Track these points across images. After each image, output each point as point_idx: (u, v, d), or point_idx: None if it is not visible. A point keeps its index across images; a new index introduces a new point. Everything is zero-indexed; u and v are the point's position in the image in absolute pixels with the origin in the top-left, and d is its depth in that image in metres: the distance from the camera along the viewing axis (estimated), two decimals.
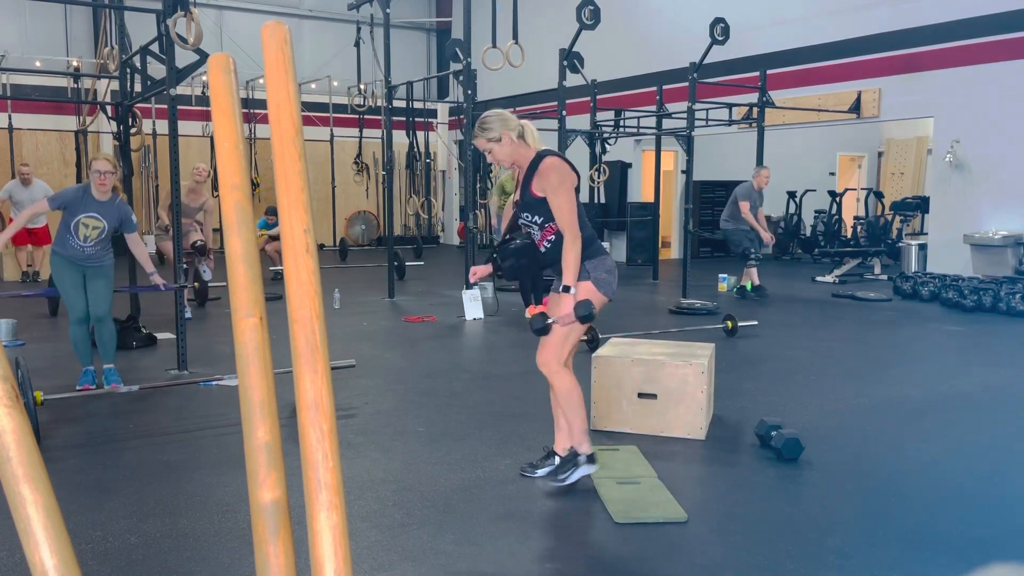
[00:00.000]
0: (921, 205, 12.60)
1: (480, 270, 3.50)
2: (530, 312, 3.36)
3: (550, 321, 3.28)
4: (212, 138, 14.22)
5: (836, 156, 15.99)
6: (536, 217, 3.28)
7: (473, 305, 7.84)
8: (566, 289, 3.20)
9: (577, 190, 3.28)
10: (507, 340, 6.89)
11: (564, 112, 8.82)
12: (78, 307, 4.85)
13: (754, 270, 9.28)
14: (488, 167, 9.89)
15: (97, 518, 3.06)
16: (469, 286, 7.92)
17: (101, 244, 4.91)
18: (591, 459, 3.39)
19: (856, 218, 13.96)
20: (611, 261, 3.34)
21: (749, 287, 9.30)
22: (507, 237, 3.40)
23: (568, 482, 3.35)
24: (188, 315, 7.80)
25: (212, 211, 8.19)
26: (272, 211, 10.75)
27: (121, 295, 5.85)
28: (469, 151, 8.80)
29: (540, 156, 3.25)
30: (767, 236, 9.05)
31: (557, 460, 3.49)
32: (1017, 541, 2.90)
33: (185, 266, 7.65)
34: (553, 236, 3.27)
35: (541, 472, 3.50)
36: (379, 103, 12.44)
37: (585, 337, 3.23)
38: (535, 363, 3.44)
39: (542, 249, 3.31)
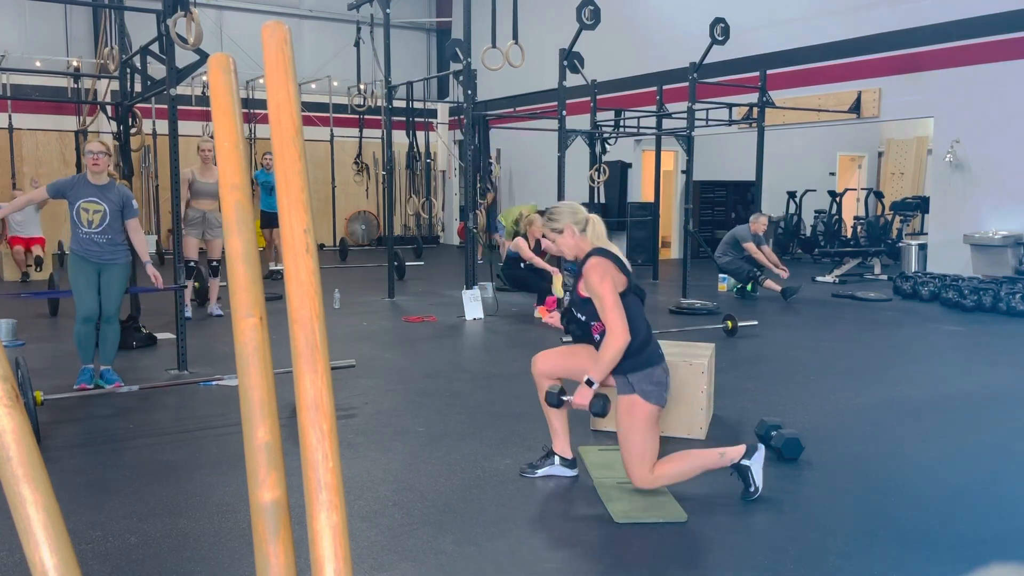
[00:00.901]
0: (921, 205, 12.60)
1: (555, 320, 3.60)
2: (538, 312, 3.39)
3: (566, 398, 3.28)
4: (212, 138, 14.23)
5: (836, 156, 15.99)
6: (581, 315, 3.29)
7: (473, 305, 7.84)
8: (589, 382, 3.16)
9: (631, 290, 3.23)
10: (507, 340, 6.89)
11: (564, 112, 8.82)
12: (89, 305, 4.84)
13: (770, 280, 9.33)
14: (488, 167, 9.89)
15: (97, 518, 3.06)
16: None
17: (110, 232, 4.90)
18: None
19: (856, 218, 13.96)
20: (660, 372, 3.22)
21: (750, 288, 9.36)
22: (570, 313, 3.43)
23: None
24: (188, 314, 7.79)
25: None
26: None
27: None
28: (469, 151, 8.80)
29: (588, 256, 3.25)
30: (783, 272, 9.20)
31: (557, 460, 3.48)
32: (1017, 541, 2.90)
33: (194, 264, 7.64)
34: (599, 336, 3.25)
35: (541, 472, 3.49)
36: (379, 103, 12.44)
37: (596, 411, 3.24)
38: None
39: (596, 338, 3.30)
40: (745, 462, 3.20)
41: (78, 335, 4.92)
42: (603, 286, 3.12)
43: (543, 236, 3.42)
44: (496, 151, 14.67)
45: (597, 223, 3.33)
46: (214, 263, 7.71)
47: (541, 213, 8.65)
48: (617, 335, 3.08)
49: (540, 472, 3.49)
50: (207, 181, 7.43)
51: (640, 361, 3.17)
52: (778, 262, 9.34)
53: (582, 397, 3.16)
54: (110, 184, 4.95)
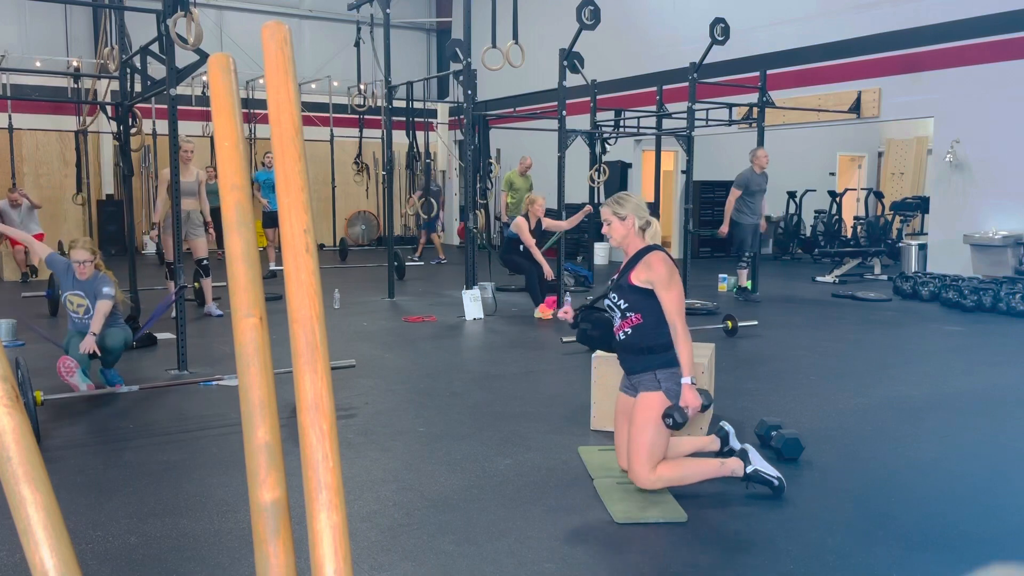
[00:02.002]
0: (921, 205, 12.60)
1: (569, 313, 3.61)
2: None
3: (685, 410, 3.23)
4: (212, 138, 14.23)
5: (836, 156, 15.99)
6: (622, 302, 3.30)
7: (473, 305, 7.84)
8: (691, 383, 3.21)
9: None
10: (507, 340, 6.89)
11: (564, 112, 8.81)
12: (77, 348, 4.79)
13: (743, 271, 9.31)
14: (488, 167, 9.89)
15: (97, 518, 3.06)
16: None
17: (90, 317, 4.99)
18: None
19: (856, 218, 13.96)
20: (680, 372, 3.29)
21: (750, 286, 9.33)
22: (595, 305, 3.47)
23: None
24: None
25: (203, 181, 7.95)
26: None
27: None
28: (469, 151, 8.80)
29: (649, 248, 3.31)
30: (762, 224, 9.12)
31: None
32: (1017, 541, 2.90)
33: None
34: (630, 329, 3.28)
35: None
36: (379, 103, 12.44)
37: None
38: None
39: (619, 336, 3.34)
40: (750, 469, 3.24)
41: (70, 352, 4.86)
42: (674, 280, 3.22)
43: (604, 219, 3.43)
44: (496, 151, 14.67)
45: (655, 226, 3.40)
46: (204, 262, 7.69)
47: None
48: (685, 329, 3.20)
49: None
50: (187, 180, 7.33)
51: (668, 359, 3.23)
52: (761, 214, 9.04)
53: (695, 399, 3.20)
54: (93, 277, 4.97)
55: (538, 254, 7.83)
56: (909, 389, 5.13)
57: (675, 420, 3.13)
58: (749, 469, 3.23)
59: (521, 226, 7.82)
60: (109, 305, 4.95)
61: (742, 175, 9.03)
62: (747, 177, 8.96)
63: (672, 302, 3.20)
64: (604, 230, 3.42)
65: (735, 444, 3.45)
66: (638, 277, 3.25)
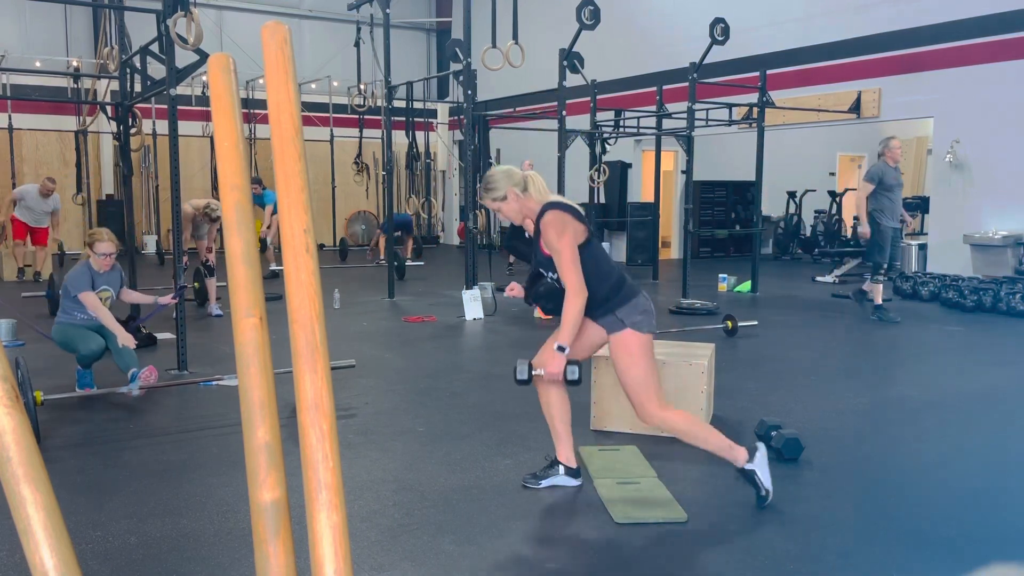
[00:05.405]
0: (921, 205, 12.60)
1: (516, 290, 3.49)
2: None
3: (536, 372, 3.17)
4: (212, 138, 14.23)
5: (836, 156, 15.99)
6: (552, 274, 3.22)
7: (473, 305, 7.84)
8: (560, 348, 3.08)
9: (592, 239, 3.20)
10: (507, 340, 6.89)
11: (564, 112, 8.82)
12: (93, 344, 4.77)
13: (879, 287, 7.65)
14: (488, 168, 9.91)
15: (97, 518, 3.06)
16: (471, 286, 7.94)
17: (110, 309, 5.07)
18: None
19: (856, 218, 13.94)
20: (643, 300, 3.21)
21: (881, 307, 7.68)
22: (535, 277, 3.34)
23: None
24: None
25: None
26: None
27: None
28: (469, 151, 8.80)
29: (542, 211, 3.16)
30: (910, 220, 7.62)
31: (561, 469, 3.41)
32: (1017, 541, 2.90)
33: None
34: None
35: (545, 483, 3.39)
36: (379, 103, 12.43)
37: (574, 378, 3.15)
38: (534, 363, 3.42)
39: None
40: (749, 466, 3.18)
41: (81, 361, 4.82)
42: (562, 241, 3.07)
43: (491, 209, 3.33)
44: (496, 151, 14.68)
45: (536, 178, 3.27)
46: (208, 262, 7.75)
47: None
48: (577, 291, 3.06)
49: (544, 483, 3.39)
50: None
51: (622, 296, 3.16)
52: (903, 216, 7.53)
53: (555, 366, 3.08)
54: (112, 268, 5.05)
55: None
56: (909, 389, 5.13)
57: (568, 379, 3.05)
58: (748, 465, 3.18)
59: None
60: (134, 292, 5.34)
61: (874, 167, 7.49)
62: (881, 169, 7.39)
63: (560, 264, 3.08)
64: (501, 218, 3.32)
65: (754, 466, 3.21)
66: (545, 245, 3.16)
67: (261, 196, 10.44)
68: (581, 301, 3.07)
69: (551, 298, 3.25)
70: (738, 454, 3.19)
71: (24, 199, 10.29)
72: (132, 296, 5.37)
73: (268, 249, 10.77)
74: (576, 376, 3.09)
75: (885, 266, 7.53)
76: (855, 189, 15.63)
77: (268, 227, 10.63)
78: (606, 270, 3.18)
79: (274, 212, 10.49)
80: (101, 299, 4.93)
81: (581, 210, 3.26)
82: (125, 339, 4.73)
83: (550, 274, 3.23)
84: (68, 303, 4.91)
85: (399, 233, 13.17)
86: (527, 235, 3.34)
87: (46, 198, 10.36)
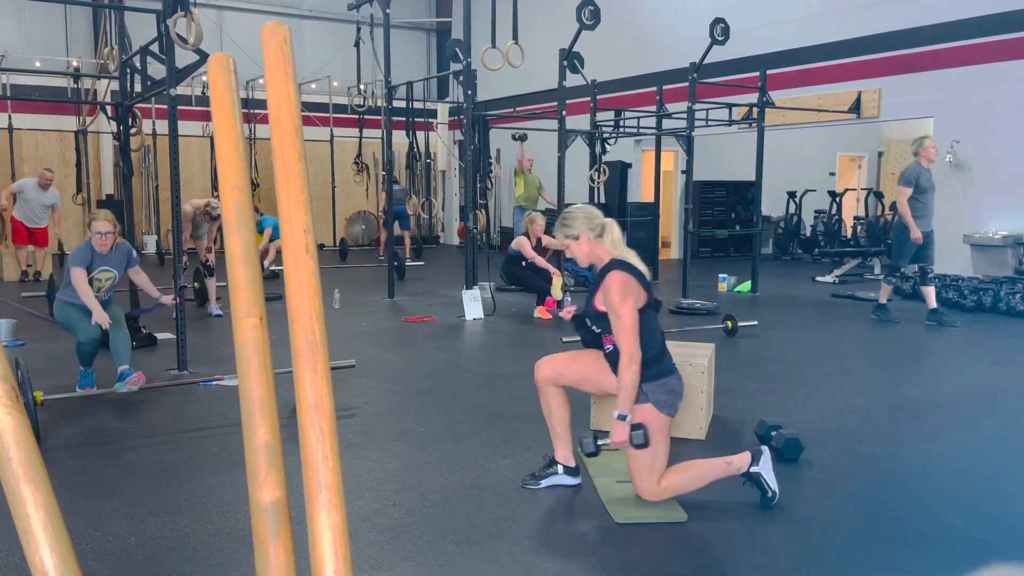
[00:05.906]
0: None
1: (570, 312, 3.47)
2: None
3: (601, 443, 3.14)
4: (212, 138, 14.22)
5: (836, 156, 15.99)
6: (595, 326, 3.21)
7: (473, 305, 7.84)
8: (621, 417, 3.05)
9: (650, 305, 3.18)
10: (507, 340, 6.89)
11: (564, 112, 8.82)
12: (91, 332, 4.78)
13: (889, 287, 7.74)
14: (488, 168, 9.91)
15: (97, 518, 3.06)
16: (476, 288, 7.95)
17: (111, 291, 5.08)
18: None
19: (856, 218, 13.95)
20: (675, 381, 3.19)
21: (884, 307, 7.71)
22: (582, 320, 3.32)
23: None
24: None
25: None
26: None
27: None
28: (469, 151, 8.80)
29: (608, 268, 3.14)
30: (915, 233, 7.28)
31: (560, 468, 3.41)
32: (1017, 541, 2.90)
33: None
34: (611, 346, 3.18)
35: (544, 483, 3.40)
36: (379, 103, 12.44)
37: (640, 442, 3.09)
38: (535, 363, 3.43)
39: (606, 348, 3.25)
40: (754, 469, 3.18)
41: (80, 349, 4.85)
42: (624, 306, 3.05)
43: (558, 241, 3.33)
44: (496, 151, 14.67)
45: (613, 228, 3.24)
46: (207, 262, 7.76)
47: (544, 213, 8.70)
48: (633, 357, 3.02)
49: (544, 483, 3.40)
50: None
51: (656, 371, 3.13)
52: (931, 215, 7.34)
53: (619, 434, 3.04)
54: (115, 249, 5.04)
55: (542, 262, 7.97)
56: (909, 389, 5.13)
57: (635, 444, 3.02)
58: (752, 469, 3.17)
59: (523, 244, 8.00)
60: (143, 274, 5.23)
61: (910, 170, 7.40)
62: (916, 171, 7.36)
63: (619, 328, 3.06)
64: (567, 255, 3.32)
65: (759, 468, 3.21)
66: (600, 302, 3.16)
67: (260, 222, 10.24)
68: (637, 367, 3.04)
69: (592, 341, 3.28)
70: (740, 463, 3.18)
71: (23, 191, 10.35)
72: (140, 278, 5.24)
73: (264, 270, 10.65)
74: (643, 441, 3.05)
75: (921, 266, 7.52)
76: (855, 189, 15.68)
77: (265, 251, 10.36)
78: (650, 341, 3.13)
79: (273, 237, 10.25)
80: (101, 280, 4.94)
81: (647, 273, 3.23)
82: (100, 318, 4.74)
83: (596, 328, 3.22)
84: (69, 279, 4.93)
85: (397, 221, 13.20)
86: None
87: (45, 190, 10.39)
